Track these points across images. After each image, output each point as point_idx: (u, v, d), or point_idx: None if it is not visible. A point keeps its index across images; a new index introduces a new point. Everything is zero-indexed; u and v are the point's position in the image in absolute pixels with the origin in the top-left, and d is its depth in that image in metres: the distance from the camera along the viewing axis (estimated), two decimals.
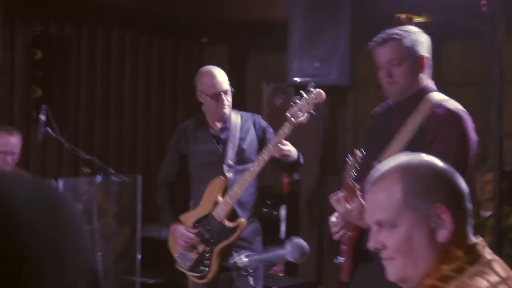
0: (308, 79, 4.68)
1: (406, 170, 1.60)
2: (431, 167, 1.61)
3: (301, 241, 1.84)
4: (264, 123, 3.93)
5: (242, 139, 3.85)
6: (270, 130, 3.88)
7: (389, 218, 1.57)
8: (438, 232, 1.54)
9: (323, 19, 4.59)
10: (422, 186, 1.57)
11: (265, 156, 3.59)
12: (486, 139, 5.36)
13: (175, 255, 3.96)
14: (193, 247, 3.85)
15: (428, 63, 2.85)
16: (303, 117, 3.43)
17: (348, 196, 2.59)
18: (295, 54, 4.69)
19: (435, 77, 5.72)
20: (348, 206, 2.56)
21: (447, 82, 5.56)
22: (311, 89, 3.42)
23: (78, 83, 5.69)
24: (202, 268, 3.83)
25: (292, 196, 5.63)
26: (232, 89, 3.88)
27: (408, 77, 2.79)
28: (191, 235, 3.81)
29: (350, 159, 2.62)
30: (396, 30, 2.81)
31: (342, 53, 4.57)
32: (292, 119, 3.45)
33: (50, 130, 4.04)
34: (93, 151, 5.70)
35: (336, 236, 2.82)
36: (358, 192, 2.56)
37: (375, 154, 2.81)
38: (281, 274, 5.28)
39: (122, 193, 4.23)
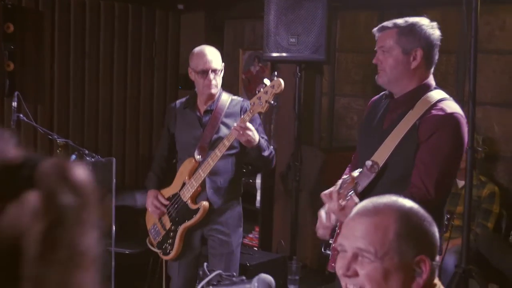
0: (284, 54, 4.67)
1: (403, 215, 1.64)
2: (424, 218, 1.66)
3: (268, 277, 1.86)
4: None
5: (224, 124, 3.86)
6: (258, 120, 3.87)
7: (374, 252, 1.61)
8: (415, 280, 1.61)
9: None
10: (415, 234, 1.63)
11: (226, 141, 3.68)
12: (461, 107, 5.42)
13: (149, 229, 4.09)
14: (162, 223, 3.96)
15: (428, 59, 2.77)
16: (261, 107, 3.51)
17: (342, 194, 2.54)
18: (271, 29, 4.65)
19: None
20: (342, 202, 2.52)
21: None
22: (273, 78, 3.48)
23: (52, 56, 5.62)
24: (166, 245, 3.95)
25: None
26: (222, 68, 3.90)
27: (394, 66, 2.73)
28: (158, 203, 3.94)
29: (348, 178, 2.56)
30: (401, 20, 2.76)
31: (318, 29, 4.53)
32: (252, 108, 3.54)
33: (22, 116, 4.06)
34: (67, 129, 5.69)
35: (319, 232, 2.83)
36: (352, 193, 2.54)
37: (367, 150, 2.81)
38: (255, 248, 5.33)
39: (97, 172, 4.24)
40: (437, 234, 1.66)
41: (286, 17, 4.62)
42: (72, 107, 5.76)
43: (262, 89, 3.51)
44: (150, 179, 4.10)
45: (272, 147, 3.90)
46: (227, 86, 6.54)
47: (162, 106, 6.41)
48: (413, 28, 2.74)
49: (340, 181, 2.60)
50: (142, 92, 6.26)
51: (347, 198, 2.51)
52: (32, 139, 5.39)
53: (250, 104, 3.59)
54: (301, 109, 4.91)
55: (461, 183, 5.12)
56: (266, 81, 3.51)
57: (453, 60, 5.57)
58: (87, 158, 4.10)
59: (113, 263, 4.25)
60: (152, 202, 3.97)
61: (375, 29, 2.84)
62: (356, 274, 1.63)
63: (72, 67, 5.74)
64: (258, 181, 5.73)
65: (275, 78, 3.48)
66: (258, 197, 5.73)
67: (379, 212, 1.65)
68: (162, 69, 6.38)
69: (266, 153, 3.77)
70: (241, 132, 3.54)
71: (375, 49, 2.82)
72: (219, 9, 6.33)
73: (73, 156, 4.15)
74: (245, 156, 3.89)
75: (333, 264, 2.81)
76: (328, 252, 2.84)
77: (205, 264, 1.98)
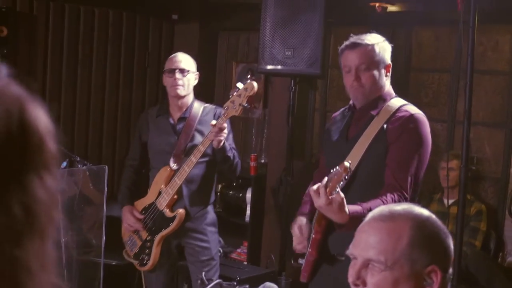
0: (279, 67, 4.65)
1: (419, 223, 1.62)
2: (440, 228, 1.64)
3: (274, 286, 1.83)
4: None
5: (198, 131, 3.86)
6: (228, 128, 3.84)
7: (385, 260, 1.58)
8: None
9: (296, 7, 4.54)
10: (429, 243, 1.60)
11: (202, 147, 3.67)
12: (453, 126, 5.42)
13: (125, 240, 4.05)
14: (138, 234, 3.93)
15: (391, 71, 2.97)
16: (235, 110, 3.49)
17: (331, 187, 2.54)
18: (267, 41, 4.64)
19: (407, 63, 5.70)
20: (331, 196, 2.52)
21: (419, 68, 5.59)
22: (247, 81, 3.48)
23: (45, 61, 5.57)
24: (143, 256, 3.92)
25: (258, 180, 5.62)
26: (196, 75, 3.93)
27: (374, 81, 2.90)
28: (134, 220, 3.91)
29: (337, 169, 2.55)
30: (366, 36, 2.93)
31: (314, 43, 4.51)
32: (226, 112, 3.53)
33: None
34: (58, 134, 5.63)
35: (299, 247, 2.86)
36: (339, 187, 2.54)
37: (336, 160, 2.80)
38: (244, 263, 5.29)
39: (88, 179, 4.17)
40: (452, 247, 1.64)
41: (282, 30, 4.61)
42: (63, 113, 5.71)
43: (235, 93, 3.49)
44: (124, 194, 4.07)
45: (236, 153, 3.87)
46: (219, 98, 6.53)
47: None
48: (385, 44, 2.96)
49: (326, 177, 2.59)
50: (133, 100, 6.23)
51: (335, 192, 2.52)
52: None
53: (224, 108, 3.57)
54: (293, 123, 4.88)
55: (449, 201, 5.11)
56: (239, 85, 3.51)
57: (446, 78, 5.58)
58: (79, 165, 4.04)
59: (101, 274, 4.17)
60: (127, 220, 3.93)
61: (343, 47, 2.97)
62: (364, 284, 1.61)
63: (64, 73, 5.70)
64: (249, 195, 5.69)
65: (248, 81, 3.48)
66: (248, 211, 5.69)
67: (394, 218, 1.63)
68: (155, 79, 6.35)
69: (230, 154, 3.73)
70: (217, 132, 3.53)
71: (347, 68, 2.94)
72: (214, 20, 6.32)
73: (64, 163, 4.08)
74: (219, 164, 3.88)
75: (305, 274, 2.86)
76: (301, 262, 2.87)
77: (203, 273, 1.95)
